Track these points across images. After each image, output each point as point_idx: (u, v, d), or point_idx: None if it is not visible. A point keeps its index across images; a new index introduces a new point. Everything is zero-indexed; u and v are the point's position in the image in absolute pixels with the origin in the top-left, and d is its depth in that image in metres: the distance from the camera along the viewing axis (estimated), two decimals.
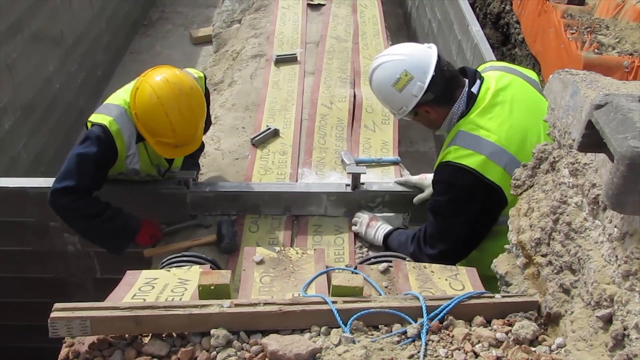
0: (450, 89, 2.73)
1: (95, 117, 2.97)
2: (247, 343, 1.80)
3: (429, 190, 3.14)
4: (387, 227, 3.12)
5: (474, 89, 2.74)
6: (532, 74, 2.98)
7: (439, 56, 2.73)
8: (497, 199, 2.59)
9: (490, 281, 2.37)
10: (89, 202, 3.02)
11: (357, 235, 3.24)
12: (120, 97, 3.04)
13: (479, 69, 2.97)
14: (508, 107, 2.68)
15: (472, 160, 2.58)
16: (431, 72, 2.68)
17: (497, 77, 2.81)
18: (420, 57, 2.72)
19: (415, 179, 3.31)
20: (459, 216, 2.70)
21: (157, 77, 2.85)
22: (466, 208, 2.68)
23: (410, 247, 2.89)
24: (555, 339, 1.80)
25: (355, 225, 3.24)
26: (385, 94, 2.80)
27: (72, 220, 3.11)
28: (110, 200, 3.11)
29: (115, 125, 2.92)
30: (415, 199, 3.24)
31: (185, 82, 2.87)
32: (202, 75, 3.26)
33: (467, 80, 2.78)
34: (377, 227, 3.14)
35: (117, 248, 3.17)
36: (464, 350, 1.76)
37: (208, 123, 3.63)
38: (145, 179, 3.25)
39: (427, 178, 3.21)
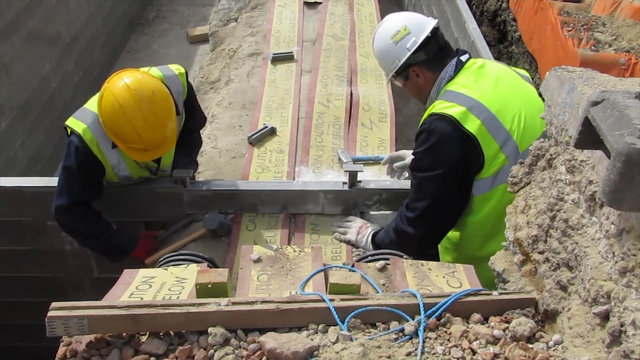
0: (441, 55, 2.90)
1: (72, 122, 2.97)
2: (245, 341, 1.80)
3: (409, 158, 3.22)
4: (375, 229, 3.14)
5: (463, 59, 2.90)
6: (522, 71, 3.08)
7: (438, 28, 2.93)
8: (474, 151, 2.66)
9: (482, 263, 2.39)
10: (89, 222, 3.10)
11: (349, 243, 3.21)
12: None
13: None
14: (492, 79, 2.83)
15: (452, 110, 2.69)
16: (427, 32, 2.86)
17: (485, 60, 3.00)
18: (421, 19, 2.96)
19: (403, 151, 3.51)
20: (436, 167, 2.74)
21: (119, 84, 2.80)
22: (443, 157, 2.73)
23: (394, 222, 2.96)
24: (552, 335, 1.80)
25: (345, 234, 3.21)
26: (382, 46, 2.96)
27: (73, 236, 3.26)
28: (107, 202, 3.13)
29: (88, 133, 2.91)
30: (395, 165, 3.46)
31: (146, 86, 2.82)
32: (182, 71, 3.22)
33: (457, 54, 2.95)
34: (367, 233, 3.13)
35: (114, 261, 3.28)
36: (462, 348, 1.76)
37: (202, 118, 3.61)
38: (140, 181, 3.26)
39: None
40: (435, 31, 2.89)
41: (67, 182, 3.01)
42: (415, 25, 2.90)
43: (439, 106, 2.74)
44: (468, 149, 2.66)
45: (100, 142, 2.94)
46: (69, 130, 2.98)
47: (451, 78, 2.85)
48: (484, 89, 2.76)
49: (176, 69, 3.19)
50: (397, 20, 2.95)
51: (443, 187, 2.77)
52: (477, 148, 2.65)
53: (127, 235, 3.23)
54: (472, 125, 2.64)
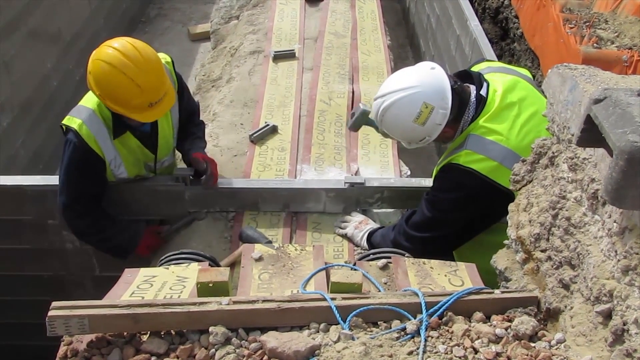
0: (462, 103, 2.67)
1: (68, 120, 2.98)
2: (246, 340, 1.79)
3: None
4: (373, 227, 3.11)
5: (483, 92, 2.70)
6: (526, 72, 2.98)
7: (450, 76, 2.68)
8: (508, 200, 2.39)
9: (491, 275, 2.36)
10: (92, 219, 3.14)
11: (345, 237, 3.20)
12: (92, 97, 3.01)
13: (474, 69, 2.95)
14: (517, 108, 2.65)
15: (483, 165, 2.56)
16: (450, 96, 2.60)
17: (501, 79, 2.78)
18: (433, 83, 2.62)
19: None
20: (458, 212, 2.69)
21: (103, 50, 2.80)
22: (468, 207, 2.67)
23: (392, 234, 2.89)
24: (554, 334, 1.80)
25: (344, 228, 3.19)
26: (404, 131, 2.71)
27: (77, 235, 3.32)
28: (108, 200, 3.14)
29: (84, 127, 2.92)
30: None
31: (129, 42, 2.82)
32: (169, 59, 3.21)
33: (472, 87, 2.74)
34: (364, 230, 3.11)
35: (118, 258, 3.30)
36: (464, 346, 1.76)
37: (195, 103, 3.59)
38: (137, 179, 3.26)
39: None
40: (451, 85, 2.63)
41: (67, 179, 3.03)
42: (434, 96, 2.59)
43: (466, 158, 2.58)
44: (500, 201, 2.38)
45: (96, 136, 2.94)
46: (64, 128, 2.99)
47: (473, 118, 2.67)
48: (512, 129, 2.58)
49: (162, 57, 3.15)
50: (411, 99, 2.59)
51: (459, 228, 2.73)
52: (511, 197, 2.36)
53: (130, 233, 3.25)
54: (507, 180, 2.34)
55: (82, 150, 2.93)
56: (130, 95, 2.79)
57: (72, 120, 2.95)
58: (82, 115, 2.95)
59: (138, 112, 2.86)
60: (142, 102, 2.82)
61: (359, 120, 3.17)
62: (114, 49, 2.77)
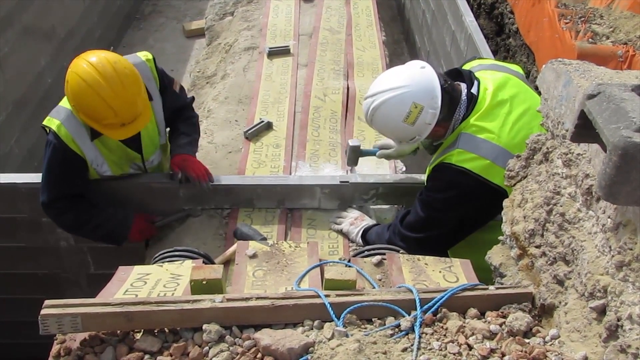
0: (453, 102, 2.66)
1: (47, 121, 2.97)
2: (240, 338, 1.79)
3: (394, 149, 3.15)
4: (368, 224, 3.11)
5: (474, 90, 2.70)
6: (518, 69, 2.97)
7: (439, 74, 2.67)
8: (502, 198, 2.35)
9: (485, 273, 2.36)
10: (75, 214, 3.13)
11: (340, 232, 3.19)
12: None
13: (465, 67, 2.95)
14: (508, 106, 2.64)
15: (475, 164, 2.55)
16: (440, 96, 2.59)
17: (492, 76, 2.77)
18: (423, 83, 2.60)
19: (383, 141, 3.28)
20: (452, 211, 2.68)
21: (81, 64, 2.78)
22: (462, 207, 2.66)
23: (387, 233, 2.88)
24: (549, 330, 1.79)
25: (340, 224, 3.19)
26: (394, 130, 2.72)
27: (63, 229, 3.34)
28: (102, 197, 3.13)
29: (63, 128, 2.91)
30: (379, 153, 3.23)
31: (107, 60, 2.79)
32: (150, 57, 3.16)
33: (463, 85, 2.74)
34: (360, 226, 3.10)
35: (111, 244, 3.28)
36: (458, 343, 1.75)
37: (187, 97, 3.52)
38: (135, 175, 3.25)
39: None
40: (442, 84, 2.61)
41: (48, 178, 3.05)
42: (423, 96, 2.57)
43: (458, 157, 2.57)
44: (495, 199, 2.40)
45: (75, 136, 2.93)
46: (47, 130, 2.98)
47: (465, 116, 2.65)
48: (504, 127, 2.57)
49: (143, 55, 3.13)
50: (401, 99, 2.59)
51: (453, 227, 2.73)
52: (505, 195, 2.34)
53: (119, 219, 3.22)
54: (499, 178, 2.38)
55: (62, 151, 2.93)
56: (102, 115, 2.80)
57: (51, 121, 2.95)
58: (60, 116, 2.94)
59: (109, 129, 2.86)
60: (114, 123, 2.83)
61: (352, 157, 3.28)
62: (91, 65, 2.75)
